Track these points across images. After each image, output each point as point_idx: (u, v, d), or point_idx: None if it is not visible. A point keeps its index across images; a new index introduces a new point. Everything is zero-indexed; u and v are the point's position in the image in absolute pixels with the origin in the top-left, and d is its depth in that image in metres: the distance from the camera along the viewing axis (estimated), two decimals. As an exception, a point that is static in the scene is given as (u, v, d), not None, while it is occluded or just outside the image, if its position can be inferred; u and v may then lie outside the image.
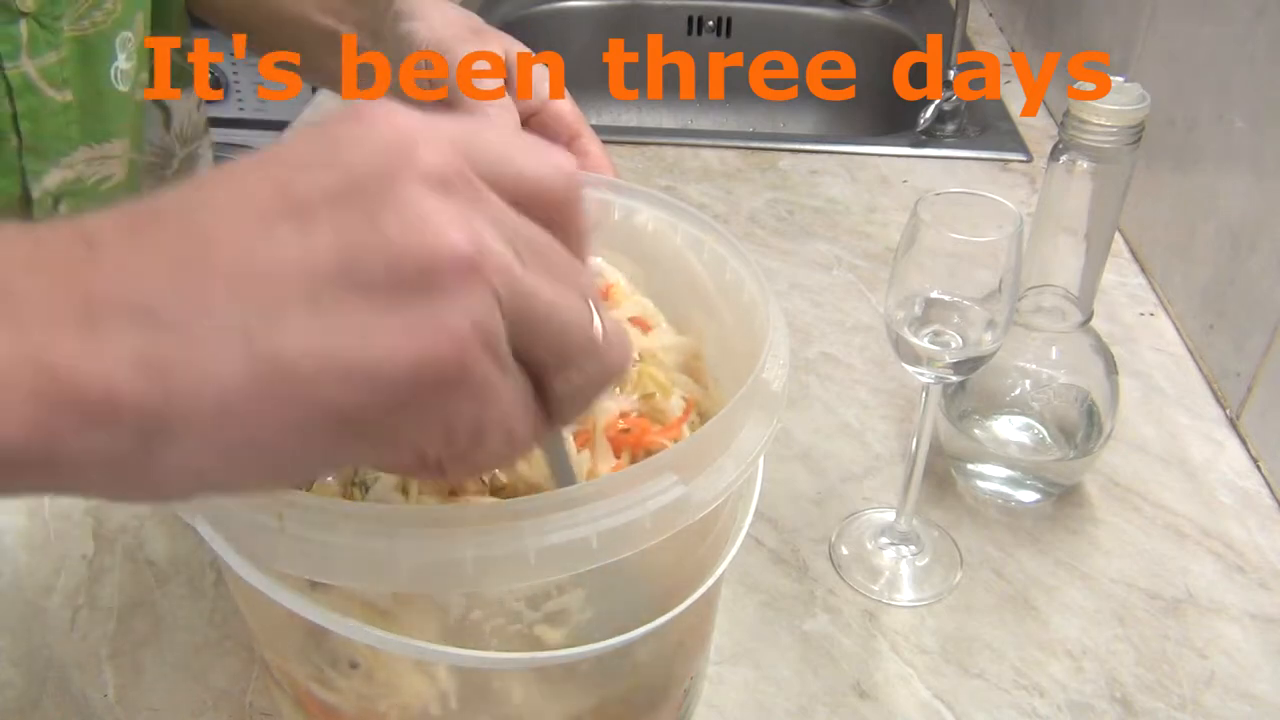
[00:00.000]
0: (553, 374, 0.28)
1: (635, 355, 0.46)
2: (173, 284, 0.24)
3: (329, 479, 0.40)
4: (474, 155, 0.27)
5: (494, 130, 0.28)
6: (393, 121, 0.26)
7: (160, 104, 0.73)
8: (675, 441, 0.43)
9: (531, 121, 0.54)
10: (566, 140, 0.54)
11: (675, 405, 0.45)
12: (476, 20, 0.55)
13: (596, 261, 0.50)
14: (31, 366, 0.23)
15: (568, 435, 0.40)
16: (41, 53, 0.57)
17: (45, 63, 0.57)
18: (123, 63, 0.63)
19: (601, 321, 0.28)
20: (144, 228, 0.25)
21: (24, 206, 0.64)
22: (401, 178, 0.25)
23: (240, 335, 0.24)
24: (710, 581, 0.42)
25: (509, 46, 0.54)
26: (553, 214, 0.28)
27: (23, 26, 0.56)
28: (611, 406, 0.43)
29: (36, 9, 0.56)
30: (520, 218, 0.27)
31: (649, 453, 0.43)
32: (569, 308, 0.27)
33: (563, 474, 0.36)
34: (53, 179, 0.62)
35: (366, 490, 0.40)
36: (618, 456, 0.43)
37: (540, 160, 0.28)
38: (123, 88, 0.63)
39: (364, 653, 0.39)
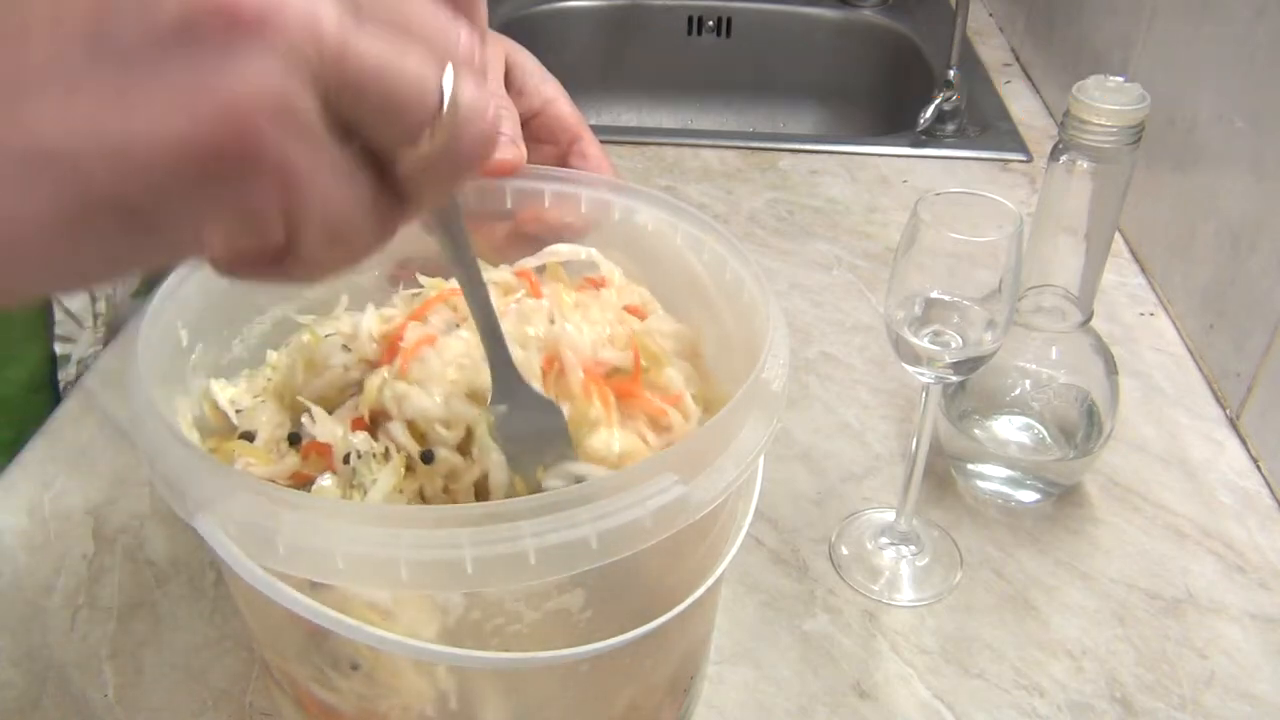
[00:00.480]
0: (392, 149, 0.24)
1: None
2: None
3: (326, 481, 0.40)
4: None
5: None
6: None
7: None
8: (677, 409, 0.43)
9: (532, 123, 0.54)
10: (567, 142, 0.54)
11: (673, 378, 0.45)
12: None
13: (589, 252, 0.50)
14: None
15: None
16: None
17: None
18: None
19: (458, 89, 0.24)
20: None
21: None
22: None
23: None
24: (710, 581, 0.42)
25: (508, 48, 0.54)
26: None
27: None
28: (583, 337, 0.43)
29: None
30: None
31: (652, 421, 0.43)
32: (408, 70, 0.23)
33: (477, 300, 0.36)
34: None
35: (365, 493, 0.40)
36: (605, 405, 0.42)
37: None
38: None
39: (364, 653, 0.39)
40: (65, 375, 0.71)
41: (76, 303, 0.70)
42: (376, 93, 0.23)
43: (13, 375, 0.68)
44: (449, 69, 0.24)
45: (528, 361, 0.42)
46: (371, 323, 0.46)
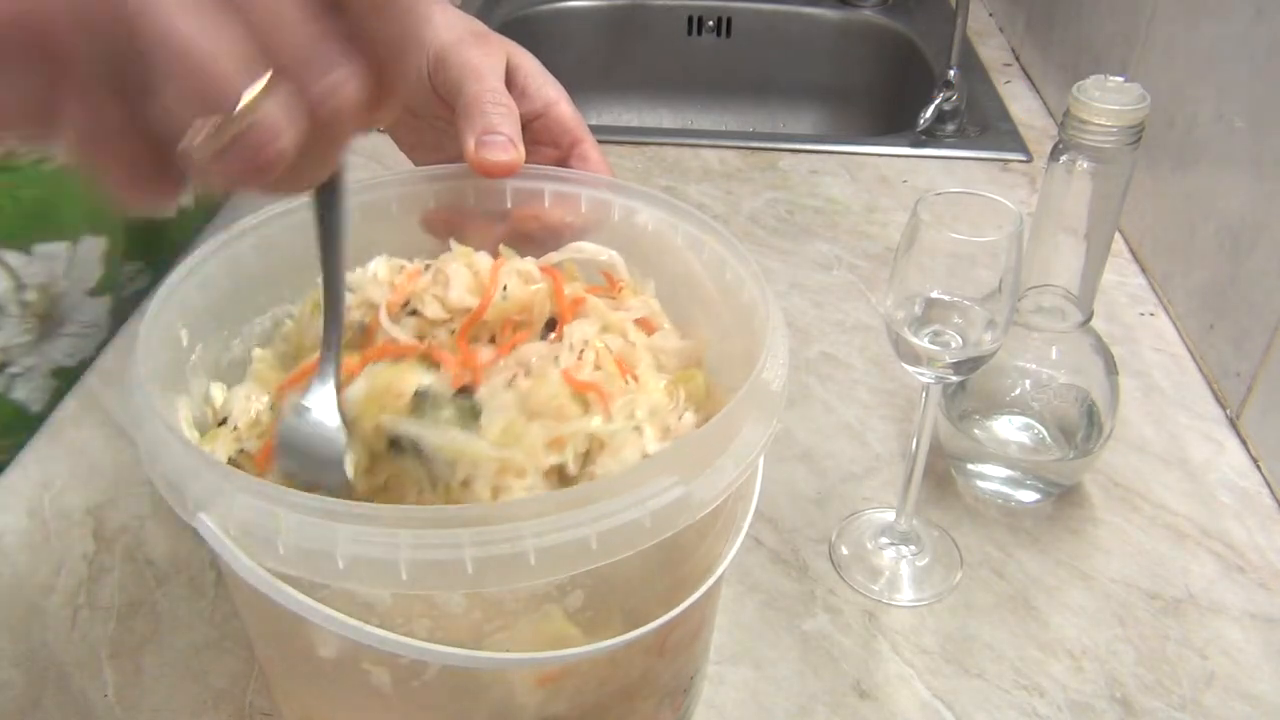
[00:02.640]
0: (169, 122, 0.25)
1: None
2: None
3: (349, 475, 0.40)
4: None
5: None
6: None
7: None
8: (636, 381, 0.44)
9: (534, 126, 0.54)
10: (568, 145, 0.54)
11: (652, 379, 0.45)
12: (479, 24, 0.55)
13: (611, 254, 0.50)
14: None
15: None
16: None
17: None
18: None
19: (260, 106, 0.24)
20: None
21: None
22: None
23: None
24: (710, 581, 0.42)
25: (511, 50, 0.54)
26: None
27: None
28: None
29: None
30: None
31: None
32: (209, 61, 0.23)
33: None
34: None
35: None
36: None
37: None
38: None
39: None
40: None
41: None
42: (163, 67, 0.23)
43: None
44: (258, 83, 0.24)
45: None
46: (381, 268, 0.48)
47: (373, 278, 0.48)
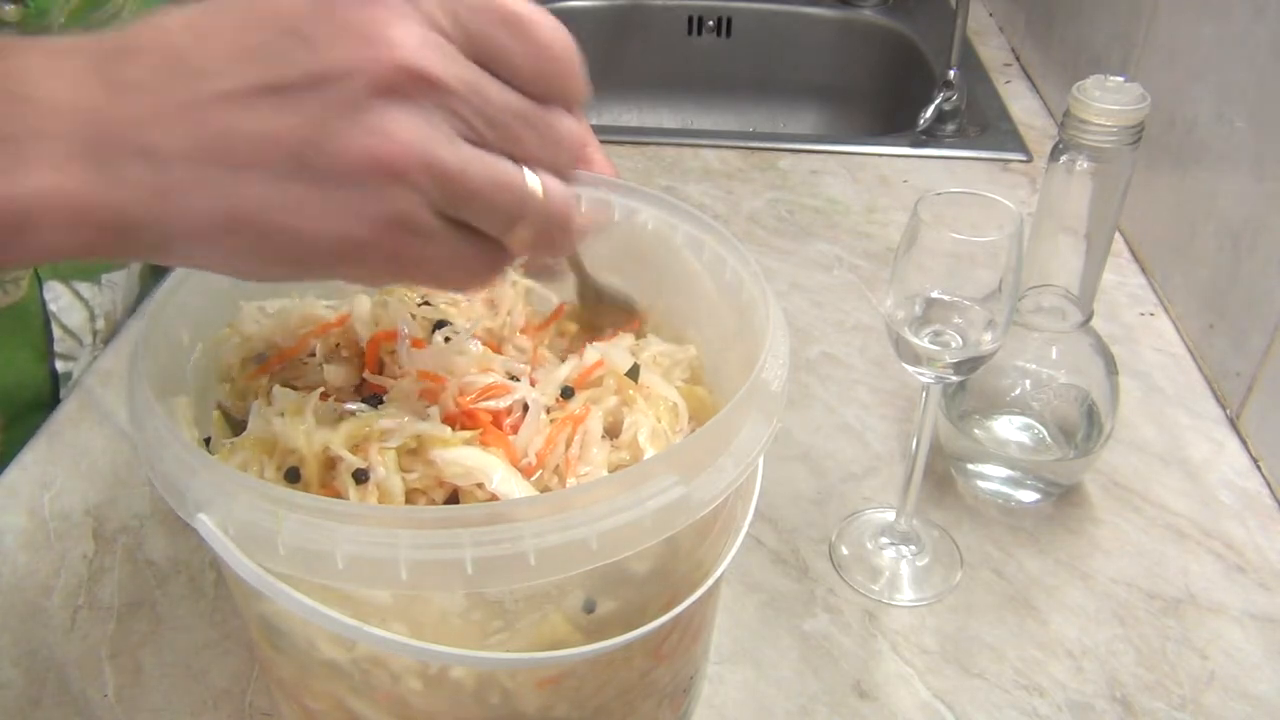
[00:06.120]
0: (502, 232, 0.34)
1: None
2: (174, 132, 0.31)
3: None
4: (464, 20, 0.32)
5: None
6: (373, 10, 0.31)
7: None
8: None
9: None
10: None
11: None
12: None
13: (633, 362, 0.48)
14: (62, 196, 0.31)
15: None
16: None
17: None
18: None
19: (546, 191, 0.34)
20: (158, 78, 0.31)
21: None
22: (367, 79, 0.31)
23: (216, 185, 0.31)
24: (710, 581, 0.42)
25: None
26: (542, 74, 0.34)
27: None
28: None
29: (19, 19, 0.56)
30: (489, 88, 0.33)
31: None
32: (498, 182, 0.33)
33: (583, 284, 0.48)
34: None
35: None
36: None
37: (534, 25, 0.34)
38: None
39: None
40: (66, 393, 0.72)
41: (76, 319, 0.71)
42: (479, 204, 0.33)
43: (19, 396, 0.69)
44: (534, 180, 0.34)
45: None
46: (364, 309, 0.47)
47: (283, 323, 0.47)
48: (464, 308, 0.50)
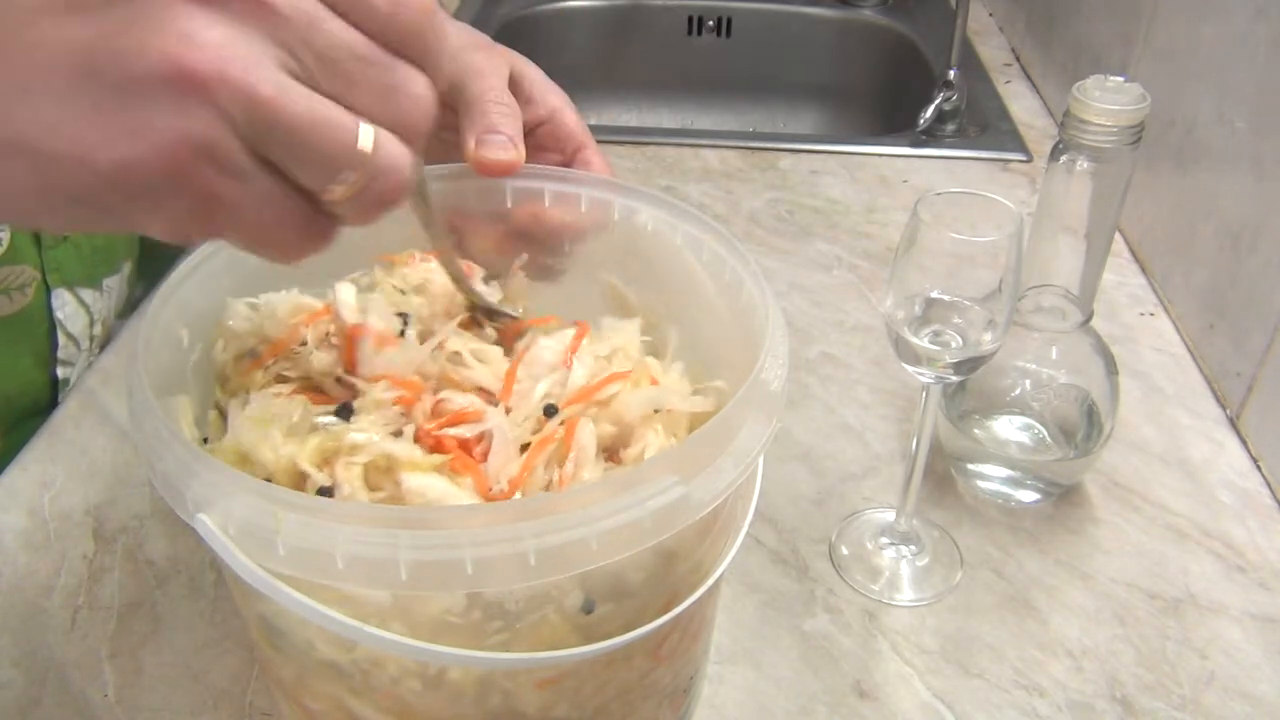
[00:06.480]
0: (315, 185, 0.30)
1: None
2: None
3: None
4: None
5: None
6: None
7: None
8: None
9: (538, 132, 0.54)
10: (572, 151, 0.55)
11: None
12: (484, 37, 0.55)
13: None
14: None
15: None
16: None
17: None
18: None
19: (377, 146, 0.30)
20: None
21: None
22: None
23: None
24: (710, 581, 0.42)
25: (514, 59, 0.55)
26: (396, 21, 0.30)
27: None
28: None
29: None
30: (328, 23, 0.29)
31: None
32: (324, 122, 0.29)
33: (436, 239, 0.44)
34: None
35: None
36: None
37: None
38: None
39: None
40: (64, 398, 0.72)
41: (78, 326, 0.71)
42: (295, 144, 0.29)
43: (18, 403, 0.70)
44: (367, 130, 0.30)
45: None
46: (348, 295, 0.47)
47: (271, 314, 0.47)
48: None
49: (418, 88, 0.31)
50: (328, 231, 0.32)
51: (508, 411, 0.43)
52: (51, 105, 0.27)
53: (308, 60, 0.29)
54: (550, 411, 0.43)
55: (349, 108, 0.29)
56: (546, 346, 0.46)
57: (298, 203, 0.30)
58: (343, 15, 0.29)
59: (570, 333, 0.47)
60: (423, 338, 0.45)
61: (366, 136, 0.30)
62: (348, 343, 0.44)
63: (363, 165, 0.30)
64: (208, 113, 0.27)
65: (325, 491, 0.38)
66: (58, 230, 0.30)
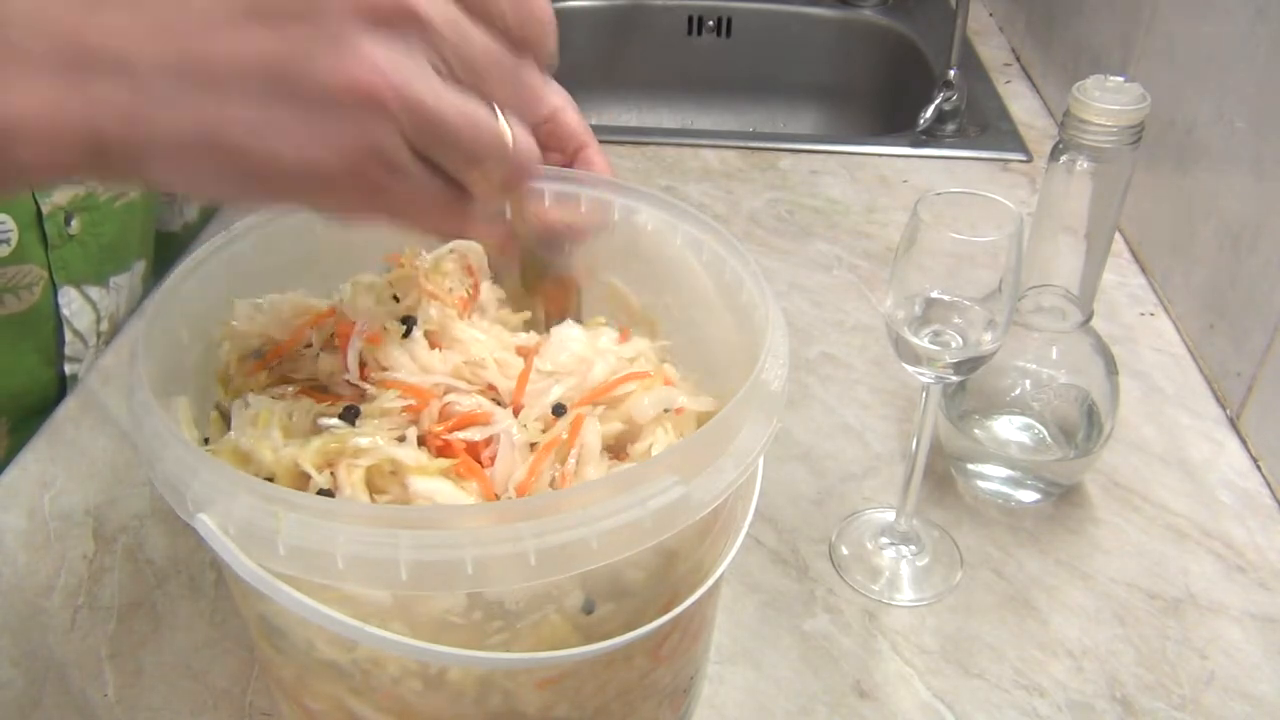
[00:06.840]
0: (464, 174, 0.35)
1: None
2: (151, 49, 0.31)
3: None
4: None
5: None
6: None
7: None
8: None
9: (540, 131, 0.54)
10: (573, 150, 0.54)
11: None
12: None
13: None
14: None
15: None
16: None
17: None
18: None
19: (512, 131, 0.35)
20: None
21: (38, 221, 0.65)
22: (353, 8, 0.31)
23: (193, 104, 0.31)
24: (710, 581, 0.42)
25: None
26: (521, 26, 0.35)
27: None
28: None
29: None
30: (470, 31, 0.34)
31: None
32: (473, 123, 0.34)
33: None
34: (62, 195, 0.66)
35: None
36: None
37: None
38: None
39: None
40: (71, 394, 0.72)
41: (85, 323, 0.72)
42: (453, 138, 0.33)
43: (25, 400, 0.70)
44: (506, 126, 0.35)
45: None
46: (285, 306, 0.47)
47: (276, 315, 0.47)
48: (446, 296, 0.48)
49: (536, 81, 0.36)
50: (468, 210, 0.37)
51: (516, 413, 0.43)
52: (249, 107, 0.31)
53: (455, 64, 0.33)
54: (559, 411, 0.43)
55: (485, 101, 0.34)
56: (574, 339, 0.46)
57: (443, 187, 0.35)
58: (476, 18, 0.34)
59: (607, 332, 0.47)
60: (430, 338, 0.45)
61: (507, 131, 0.35)
62: (340, 341, 0.44)
63: (503, 156, 0.35)
64: (383, 124, 0.32)
65: (326, 494, 0.38)
66: (236, 204, 0.37)
